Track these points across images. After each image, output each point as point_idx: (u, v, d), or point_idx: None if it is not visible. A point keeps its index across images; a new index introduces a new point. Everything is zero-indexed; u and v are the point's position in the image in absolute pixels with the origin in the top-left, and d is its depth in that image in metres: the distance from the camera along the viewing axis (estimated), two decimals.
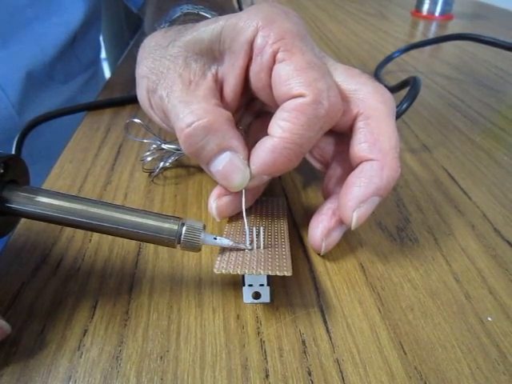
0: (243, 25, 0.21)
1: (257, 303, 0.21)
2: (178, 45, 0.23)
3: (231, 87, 0.22)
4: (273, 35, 0.20)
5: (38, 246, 0.25)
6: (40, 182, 0.31)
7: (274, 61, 0.20)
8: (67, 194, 0.20)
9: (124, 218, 0.19)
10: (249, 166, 0.21)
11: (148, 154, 0.31)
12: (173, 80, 0.22)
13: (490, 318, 0.20)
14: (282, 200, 0.27)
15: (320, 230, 0.22)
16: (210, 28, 0.21)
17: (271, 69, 0.20)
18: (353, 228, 0.21)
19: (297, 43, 0.20)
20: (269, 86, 0.21)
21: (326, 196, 0.25)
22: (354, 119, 0.22)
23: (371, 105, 0.21)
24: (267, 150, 0.20)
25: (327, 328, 0.20)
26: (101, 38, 0.68)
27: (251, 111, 0.27)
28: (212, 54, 0.22)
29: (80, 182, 0.31)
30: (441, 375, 0.18)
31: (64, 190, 0.30)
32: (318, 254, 0.24)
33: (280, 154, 0.20)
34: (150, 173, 0.31)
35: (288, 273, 0.19)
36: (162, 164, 0.31)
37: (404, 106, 0.30)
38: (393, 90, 0.40)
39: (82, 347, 0.19)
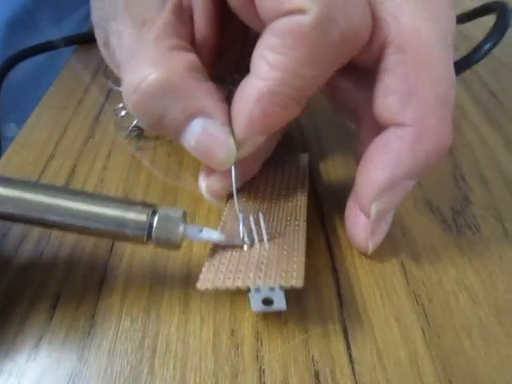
0: None
1: (269, 312, 0.16)
2: None
3: (202, 12, 0.16)
4: None
5: None
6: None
7: None
8: None
9: (72, 206, 0.14)
10: (232, 132, 0.15)
11: (122, 105, 0.24)
12: (123, 23, 0.16)
13: None
14: (304, 158, 0.21)
15: (362, 226, 0.17)
16: None
17: None
18: None
19: None
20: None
21: (359, 161, 0.18)
22: (380, 51, 0.14)
23: (409, 26, 0.14)
24: (251, 99, 0.14)
25: (350, 355, 0.15)
26: None
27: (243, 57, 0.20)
28: None
29: (58, 135, 0.25)
30: None
31: (39, 145, 0.25)
32: (361, 254, 0.18)
33: (270, 103, 0.14)
34: (129, 132, 0.24)
35: (298, 283, 0.14)
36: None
37: (487, 46, 0.20)
38: (462, 19, 0.30)
39: (31, 360, 0.15)
